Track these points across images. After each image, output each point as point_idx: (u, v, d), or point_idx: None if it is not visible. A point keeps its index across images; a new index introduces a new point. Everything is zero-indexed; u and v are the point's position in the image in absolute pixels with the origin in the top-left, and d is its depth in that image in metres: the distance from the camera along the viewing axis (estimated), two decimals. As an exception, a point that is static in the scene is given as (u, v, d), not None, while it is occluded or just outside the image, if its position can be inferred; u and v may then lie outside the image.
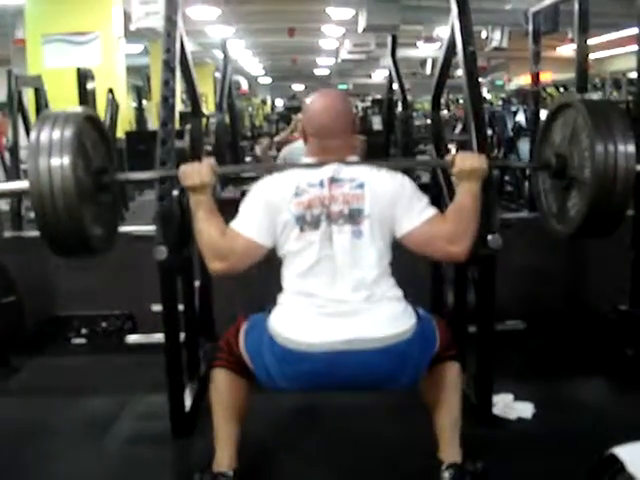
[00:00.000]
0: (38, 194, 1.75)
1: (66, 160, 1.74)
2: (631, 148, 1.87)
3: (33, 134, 1.81)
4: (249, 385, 1.83)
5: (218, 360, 1.85)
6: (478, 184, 1.78)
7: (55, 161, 1.74)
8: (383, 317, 1.68)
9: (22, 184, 1.90)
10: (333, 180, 1.72)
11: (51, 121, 1.81)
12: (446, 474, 1.76)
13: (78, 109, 2.17)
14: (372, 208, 1.69)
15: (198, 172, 1.77)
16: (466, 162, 1.78)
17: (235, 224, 1.74)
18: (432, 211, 1.75)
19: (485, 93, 15.83)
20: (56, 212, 1.74)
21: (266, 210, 1.72)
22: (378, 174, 1.75)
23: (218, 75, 5.63)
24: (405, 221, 1.71)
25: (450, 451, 1.80)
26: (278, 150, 5.68)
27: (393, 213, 1.71)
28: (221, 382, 1.83)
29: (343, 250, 1.69)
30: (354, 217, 1.69)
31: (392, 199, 1.71)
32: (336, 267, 1.69)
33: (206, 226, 1.73)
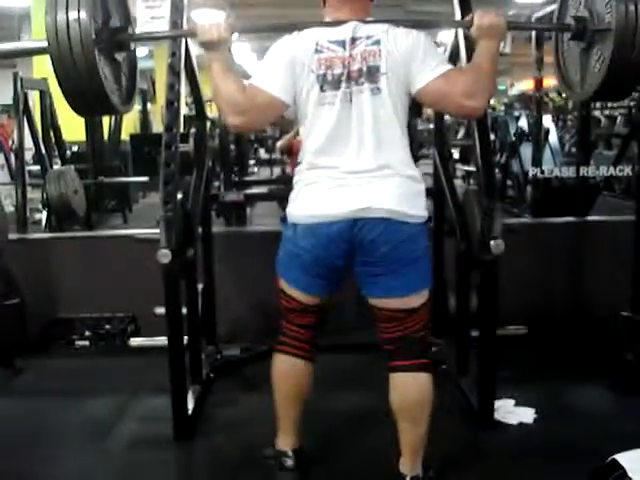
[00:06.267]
0: (57, 50, 1.72)
1: (84, 13, 1.70)
2: None
3: None
4: (309, 365, 1.88)
5: (278, 344, 1.91)
6: (496, 44, 1.76)
7: (73, 14, 1.70)
8: (397, 191, 1.71)
9: (40, 43, 1.83)
10: (353, 40, 1.72)
11: None
12: None
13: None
14: (388, 64, 1.70)
15: (216, 26, 1.74)
16: (484, 19, 1.76)
17: (255, 79, 1.74)
18: (448, 66, 1.74)
19: (488, 98, 15.79)
20: (75, 67, 1.73)
21: (288, 66, 1.72)
22: (394, 31, 1.74)
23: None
24: (421, 75, 1.71)
25: (412, 466, 1.82)
26: (282, 154, 5.68)
27: (409, 68, 1.71)
28: (280, 368, 1.89)
29: (362, 110, 1.70)
30: (372, 74, 1.70)
31: (408, 55, 1.71)
32: (355, 130, 1.70)
33: (223, 81, 1.72)
